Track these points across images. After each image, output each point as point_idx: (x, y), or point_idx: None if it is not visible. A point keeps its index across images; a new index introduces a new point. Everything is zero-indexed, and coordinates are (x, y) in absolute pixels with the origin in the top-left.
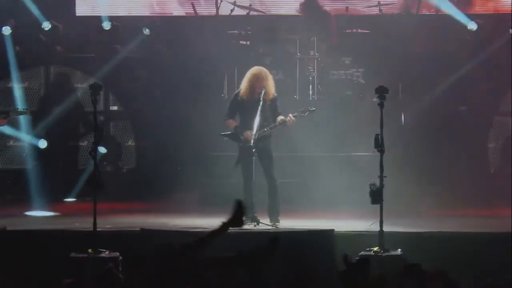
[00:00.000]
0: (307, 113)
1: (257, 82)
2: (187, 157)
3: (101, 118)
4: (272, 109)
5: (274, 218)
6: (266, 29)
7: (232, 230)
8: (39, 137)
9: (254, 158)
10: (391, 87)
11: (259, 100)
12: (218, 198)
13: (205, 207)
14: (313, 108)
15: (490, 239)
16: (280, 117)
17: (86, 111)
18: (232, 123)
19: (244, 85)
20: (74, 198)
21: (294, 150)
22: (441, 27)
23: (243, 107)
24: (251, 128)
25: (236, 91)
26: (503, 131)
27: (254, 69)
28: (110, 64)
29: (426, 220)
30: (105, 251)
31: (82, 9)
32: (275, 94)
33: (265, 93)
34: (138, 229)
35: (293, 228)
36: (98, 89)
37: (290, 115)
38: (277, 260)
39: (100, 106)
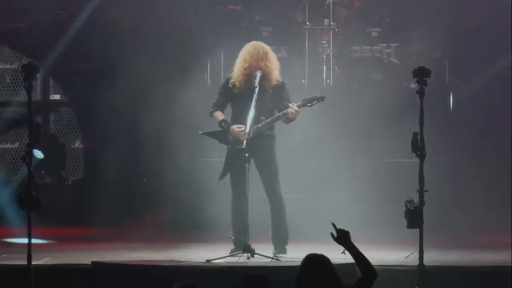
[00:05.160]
0: (314, 102)
1: (253, 64)
2: (155, 164)
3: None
4: (276, 100)
5: (280, 247)
6: None
7: (217, 265)
8: None
9: (247, 165)
10: (434, 69)
11: (255, 87)
12: (197, 220)
13: (179, 232)
14: (322, 96)
15: None
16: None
17: None
18: (219, 116)
19: (237, 66)
20: None
21: (302, 155)
22: None
23: (236, 97)
24: (244, 125)
25: (228, 75)
26: None
27: (249, 47)
28: (51, 37)
29: (484, 251)
30: None
31: None
32: (281, 80)
33: (262, 77)
34: (88, 263)
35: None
36: (34, 71)
37: (292, 104)
38: None
39: (37, 95)
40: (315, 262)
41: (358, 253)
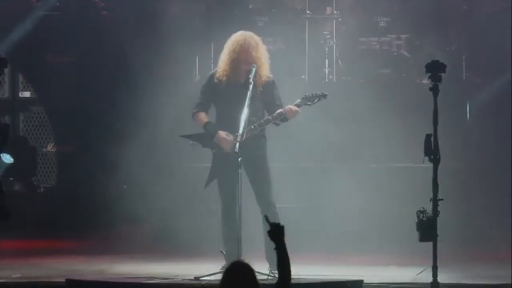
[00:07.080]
0: (315, 100)
1: (242, 56)
2: (136, 170)
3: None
4: (266, 99)
5: (275, 263)
6: None
7: (206, 283)
8: None
9: (240, 171)
10: (450, 63)
11: (248, 83)
12: (183, 232)
13: (164, 246)
14: (324, 93)
15: None
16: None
17: None
18: (203, 118)
19: (222, 60)
20: None
21: (300, 159)
22: None
23: (222, 95)
24: (233, 127)
25: (212, 71)
26: None
27: (238, 36)
28: (20, 28)
29: (504, 267)
30: None
31: None
32: (271, 76)
33: (255, 73)
34: (62, 280)
35: (300, 279)
36: (2, 65)
37: (289, 106)
38: None
39: (4, 92)
40: (238, 269)
41: (285, 255)
